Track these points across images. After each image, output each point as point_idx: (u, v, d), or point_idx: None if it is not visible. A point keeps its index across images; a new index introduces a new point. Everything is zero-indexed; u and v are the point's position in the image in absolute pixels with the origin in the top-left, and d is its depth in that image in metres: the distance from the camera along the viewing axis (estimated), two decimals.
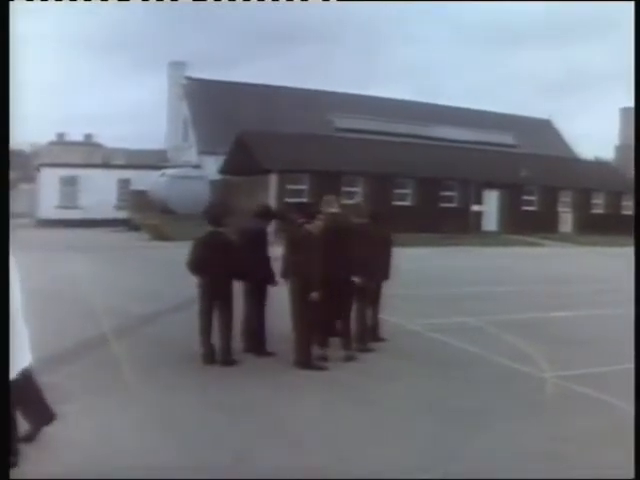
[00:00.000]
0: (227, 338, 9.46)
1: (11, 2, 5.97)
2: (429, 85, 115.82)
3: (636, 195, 29.48)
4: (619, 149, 66.53)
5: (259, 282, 9.99)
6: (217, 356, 9.43)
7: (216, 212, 10.03)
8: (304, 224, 9.48)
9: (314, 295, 9.15)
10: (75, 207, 43.22)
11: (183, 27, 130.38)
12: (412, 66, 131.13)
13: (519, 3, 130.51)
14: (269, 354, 9.90)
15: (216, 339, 9.50)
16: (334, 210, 10.43)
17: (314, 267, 9.14)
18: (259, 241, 10.02)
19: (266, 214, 10.64)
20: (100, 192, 41.99)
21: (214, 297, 9.43)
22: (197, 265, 9.41)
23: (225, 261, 9.28)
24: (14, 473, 5.20)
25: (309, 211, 9.73)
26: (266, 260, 10.01)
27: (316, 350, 9.68)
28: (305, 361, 9.29)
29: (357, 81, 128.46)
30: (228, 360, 9.38)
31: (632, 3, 8.04)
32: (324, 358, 9.75)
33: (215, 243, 9.41)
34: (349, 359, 9.90)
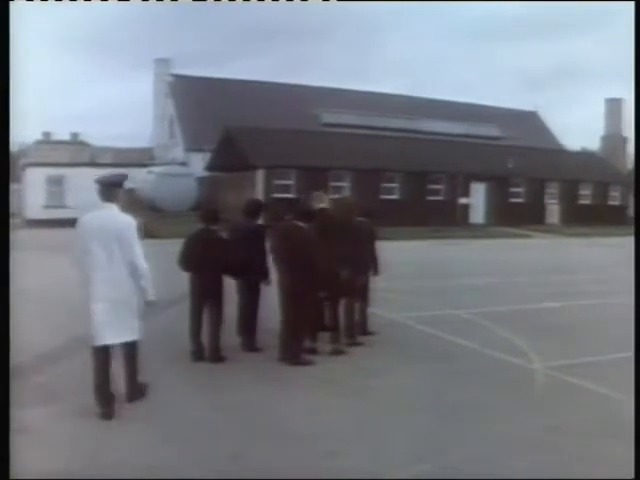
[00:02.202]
0: (216, 335, 9.44)
1: (11, 2, 5.97)
2: (416, 80, 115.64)
3: (636, 190, 29.58)
4: (605, 139, 66.74)
5: (253, 279, 10.03)
6: (206, 353, 9.42)
7: (208, 210, 9.98)
8: (292, 219, 9.51)
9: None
10: (62, 206, 42.98)
11: (170, 25, 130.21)
12: (400, 61, 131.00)
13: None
14: (258, 350, 9.91)
15: (205, 336, 9.51)
16: (323, 205, 10.39)
17: (304, 262, 9.16)
18: (255, 238, 10.00)
19: (257, 210, 10.58)
20: (87, 191, 41.43)
21: (205, 294, 9.39)
22: (188, 262, 9.43)
23: (216, 258, 9.27)
24: (14, 473, 5.20)
25: (303, 210, 9.67)
26: (261, 257, 9.98)
27: (307, 342, 9.72)
28: (291, 357, 9.28)
29: (345, 76, 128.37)
30: (216, 357, 9.38)
31: (632, 3, 8.06)
32: (313, 351, 9.80)
33: (206, 240, 9.41)
34: (337, 353, 9.93)
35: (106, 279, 7.09)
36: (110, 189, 7.43)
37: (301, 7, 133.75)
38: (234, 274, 9.82)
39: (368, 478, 5.90)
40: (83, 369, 7.45)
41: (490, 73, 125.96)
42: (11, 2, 5.95)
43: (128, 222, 7.29)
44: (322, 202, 10.49)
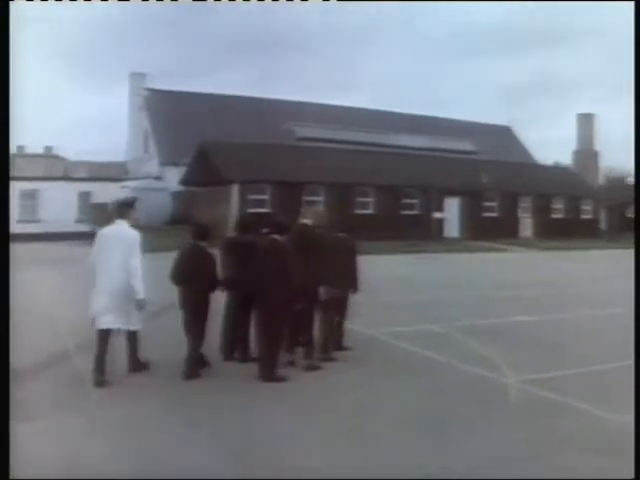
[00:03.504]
0: (197, 349, 9.55)
1: (11, 2, 5.98)
2: (391, 94, 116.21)
3: (636, 196, 29.75)
4: (577, 154, 67.34)
5: (246, 293, 10.06)
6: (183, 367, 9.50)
7: (197, 226, 10.29)
8: (269, 234, 9.57)
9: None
10: (36, 221, 42.77)
11: (143, 38, 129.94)
12: (374, 76, 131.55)
13: (481, 14, 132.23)
14: (253, 360, 9.90)
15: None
16: (306, 221, 10.43)
17: (281, 278, 9.18)
18: (245, 252, 10.05)
19: (248, 225, 10.77)
20: (61, 205, 41.58)
21: (193, 308, 9.59)
22: (178, 277, 9.69)
23: (205, 273, 9.56)
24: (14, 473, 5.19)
25: (279, 224, 9.72)
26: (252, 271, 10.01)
27: (284, 356, 9.77)
28: (267, 375, 9.25)
29: (320, 91, 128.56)
30: (193, 373, 9.40)
31: (632, 3, 8.14)
32: (291, 363, 9.89)
33: (195, 255, 9.70)
34: (311, 369, 9.93)
35: (112, 278, 8.99)
36: (122, 209, 9.61)
37: (275, 21, 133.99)
38: (224, 288, 10.08)
39: (368, 478, 5.91)
40: (54, 388, 7.41)
41: (464, 88, 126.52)
42: (11, 2, 5.97)
43: (135, 235, 9.23)
44: (305, 217, 10.54)
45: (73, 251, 32.70)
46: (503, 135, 63.51)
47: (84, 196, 43.87)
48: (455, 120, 60.05)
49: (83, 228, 40.59)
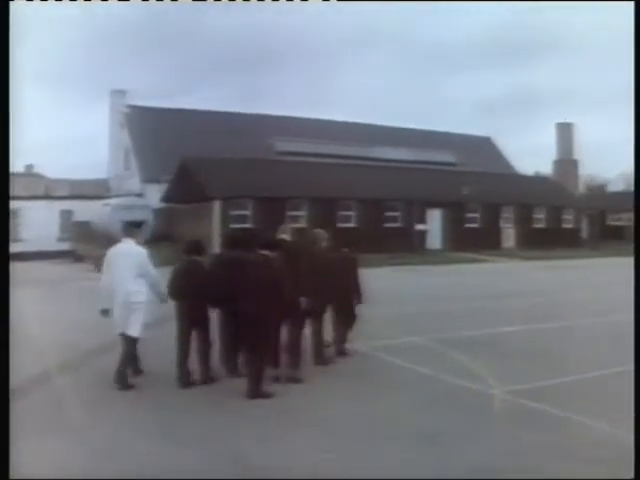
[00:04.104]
0: (205, 361, 10.00)
1: (11, 2, 5.97)
2: (371, 108, 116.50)
3: (636, 201, 29.84)
4: (557, 163, 67.68)
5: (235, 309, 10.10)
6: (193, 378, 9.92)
7: (192, 242, 10.70)
8: (258, 249, 9.73)
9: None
10: (17, 240, 42.46)
11: (125, 56, 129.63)
12: (354, 89, 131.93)
13: (460, 29, 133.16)
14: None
15: (193, 362, 10.01)
16: (284, 237, 10.69)
17: (270, 294, 9.26)
18: (236, 267, 10.10)
19: (238, 241, 11.05)
20: (42, 224, 41.33)
21: (191, 322, 9.99)
22: (174, 292, 10.12)
23: (200, 288, 9.91)
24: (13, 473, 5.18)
25: (269, 241, 9.98)
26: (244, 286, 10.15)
27: (270, 371, 9.80)
28: (251, 390, 9.27)
29: (300, 105, 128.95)
30: (207, 378, 9.96)
31: (632, 3, 8.20)
32: (277, 379, 9.94)
33: (190, 270, 10.10)
34: (295, 381, 10.02)
35: (123, 290, 9.83)
36: (129, 229, 10.68)
37: (254, 36, 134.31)
38: (217, 303, 10.32)
39: (369, 478, 5.90)
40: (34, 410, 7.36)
41: (444, 100, 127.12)
42: (11, 2, 5.97)
43: (142, 251, 10.18)
44: (284, 233, 10.82)
45: (55, 270, 32.65)
46: (483, 146, 63.73)
47: (66, 214, 43.63)
48: (436, 132, 60.23)
49: (65, 247, 40.45)
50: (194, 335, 10.06)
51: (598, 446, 7.20)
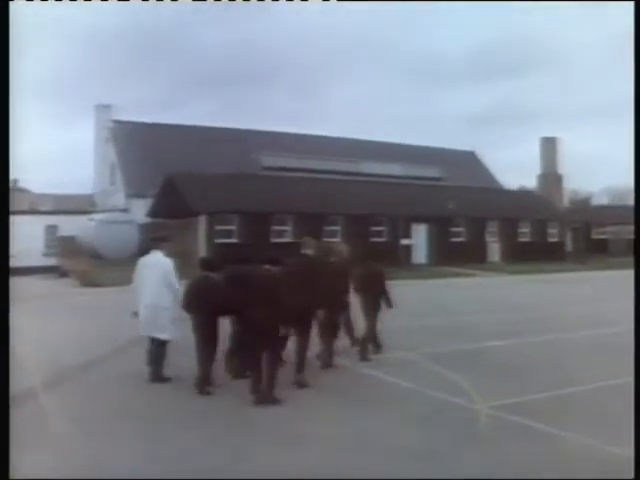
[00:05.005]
0: (207, 369, 10.50)
1: (11, 2, 5.99)
2: (356, 122, 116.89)
3: (636, 208, 29.85)
4: (541, 177, 67.92)
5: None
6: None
7: (205, 259, 12.11)
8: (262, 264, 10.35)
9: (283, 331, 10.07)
10: None
11: (110, 70, 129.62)
12: (340, 104, 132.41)
13: (447, 45, 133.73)
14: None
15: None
16: (308, 252, 11.67)
17: (271, 305, 9.67)
18: (246, 282, 10.58)
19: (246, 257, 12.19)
20: (27, 239, 41.13)
21: (203, 333, 10.59)
22: (189, 306, 10.80)
23: (213, 301, 10.50)
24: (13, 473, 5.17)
25: (273, 257, 10.47)
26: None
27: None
28: (259, 398, 9.57)
29: (286, 120, 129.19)
30: (204, 389, 10.37)
31: (632, 3, 8.25)
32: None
33: (205, 285, 10.77)
34: (301, 386, 10.60)
35: (150, 295, 11.05)
36: (157, 242, 11.90)
37: (241, 51, 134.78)
38: (227, 315, 11.06)
39: (370, 478, 5.90)
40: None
41: (429, 115, 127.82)
42: (11, 2, 5.98)
43: (168, 262, 11.36)
44: (309, 247, 11.78)
45: (43, 285, 32.48)
46: (468, 160, 64.03)
47: (51, 229, 43.48)
48: (421, 147, 60.47)
49: (50, 262, 40.28)
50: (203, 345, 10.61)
51: (581, 461, 7.23)
